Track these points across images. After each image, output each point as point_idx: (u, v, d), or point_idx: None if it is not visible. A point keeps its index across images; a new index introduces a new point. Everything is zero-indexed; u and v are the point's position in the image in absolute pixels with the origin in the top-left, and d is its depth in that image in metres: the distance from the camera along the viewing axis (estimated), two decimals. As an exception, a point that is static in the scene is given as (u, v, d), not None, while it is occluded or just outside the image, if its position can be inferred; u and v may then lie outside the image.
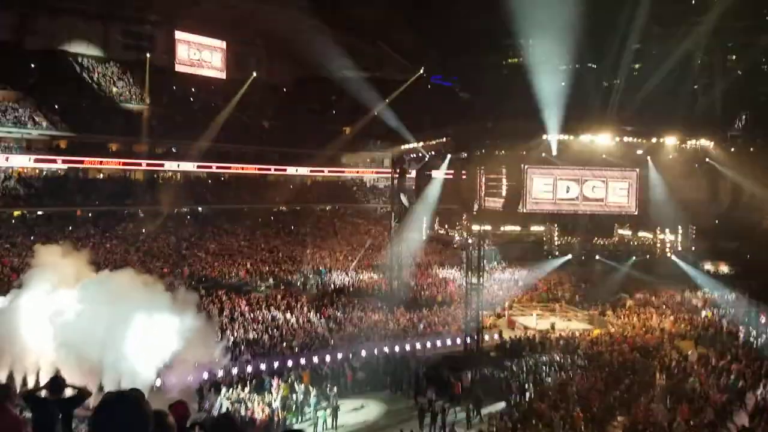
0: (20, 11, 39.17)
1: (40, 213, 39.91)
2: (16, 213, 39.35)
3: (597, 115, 32.27)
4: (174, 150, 47.65)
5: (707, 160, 35.85)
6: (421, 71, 51.26)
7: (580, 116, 33.45)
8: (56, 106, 42.97)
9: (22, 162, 41.20)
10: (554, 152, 33.56)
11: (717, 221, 40.24)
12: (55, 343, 19.92)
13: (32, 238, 35.69)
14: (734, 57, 56.45)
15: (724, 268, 40.88)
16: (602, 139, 34.30)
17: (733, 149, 37.57)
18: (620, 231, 38.49)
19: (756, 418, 19.71)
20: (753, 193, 38.30)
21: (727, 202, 40.43)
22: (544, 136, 33.21)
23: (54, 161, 42.23)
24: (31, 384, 19.23)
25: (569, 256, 37.73)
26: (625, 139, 34.43)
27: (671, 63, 43.66)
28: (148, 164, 46.61)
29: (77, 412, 6.70)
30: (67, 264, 22.84)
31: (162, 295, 22.13)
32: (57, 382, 6.50)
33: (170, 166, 47.29)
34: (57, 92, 42.93)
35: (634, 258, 37.72)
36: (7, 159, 40.24)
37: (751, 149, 39.95)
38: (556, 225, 36.93)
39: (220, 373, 22.98)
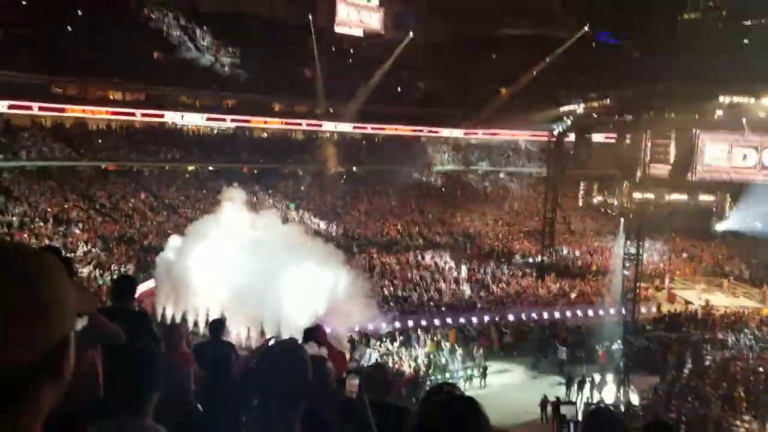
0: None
1: (210, 169, 43.06)
2: (190, 168, 42.74)
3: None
4: (331, 111, 49.11)
5: None
6: (587, 28, 48.34)
7: (764, 77, 29.97)
8: (225, 68, 45.89)
9: (196, 120, 44.47)
10: (732, 116, 30.36)
11: None
12: (223, 287, 21.66)
13: (204, 191, 38.68)
14: None
15: None
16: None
17: None
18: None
19: None
20: None
21: None
22: (721, 99, 30.18)
23: (224, 120, 45.27)
24: (201, 326, 21.08)
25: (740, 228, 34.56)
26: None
27: None
28: (308, 124, 48.65)
29: (243, 354, 7.09)
30: (244, 213, 24.73)
31: (322, 249, 23.36)
32: (217, 325, 6.77)
33: (328, 126, 48.91)
34: (225, 54, 45.80)
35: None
36: (182, 117, 43.64)
37: None
38: (728, 195, 33.90)
39: (371, 327, 23.86)
